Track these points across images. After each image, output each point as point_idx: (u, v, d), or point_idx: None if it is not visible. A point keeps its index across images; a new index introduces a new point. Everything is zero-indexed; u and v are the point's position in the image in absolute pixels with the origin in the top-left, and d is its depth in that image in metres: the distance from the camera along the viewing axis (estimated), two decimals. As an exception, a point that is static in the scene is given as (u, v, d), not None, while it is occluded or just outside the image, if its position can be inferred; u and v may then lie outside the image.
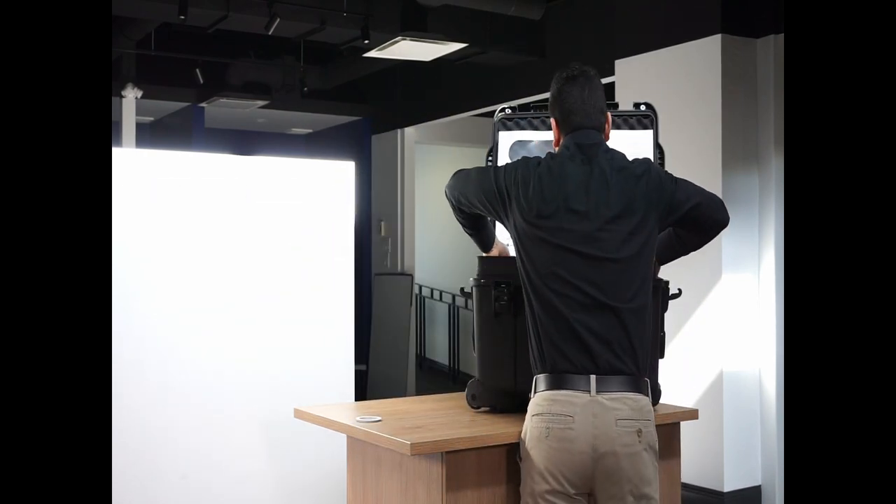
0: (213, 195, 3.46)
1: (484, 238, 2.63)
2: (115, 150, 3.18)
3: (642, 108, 2.83)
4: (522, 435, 2.29)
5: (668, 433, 2.64)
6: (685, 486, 4.53)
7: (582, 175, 2.28)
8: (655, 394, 2.54)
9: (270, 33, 6.07)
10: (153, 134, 9.51)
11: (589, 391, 2.19)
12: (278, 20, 5.89)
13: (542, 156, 2.38)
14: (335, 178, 3.72)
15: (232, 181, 3.51)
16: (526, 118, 2.84)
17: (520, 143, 2.82)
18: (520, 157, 2.45)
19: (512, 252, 2.45)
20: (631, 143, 2.51)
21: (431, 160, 10.06)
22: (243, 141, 10.18)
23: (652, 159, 2.69)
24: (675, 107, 4.82)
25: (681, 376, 4.79)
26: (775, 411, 4.69)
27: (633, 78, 5.15)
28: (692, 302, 4.74)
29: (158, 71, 7.84)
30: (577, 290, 2.23)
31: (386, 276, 8.83)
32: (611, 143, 2.40)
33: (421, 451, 2.25)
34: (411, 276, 8.62)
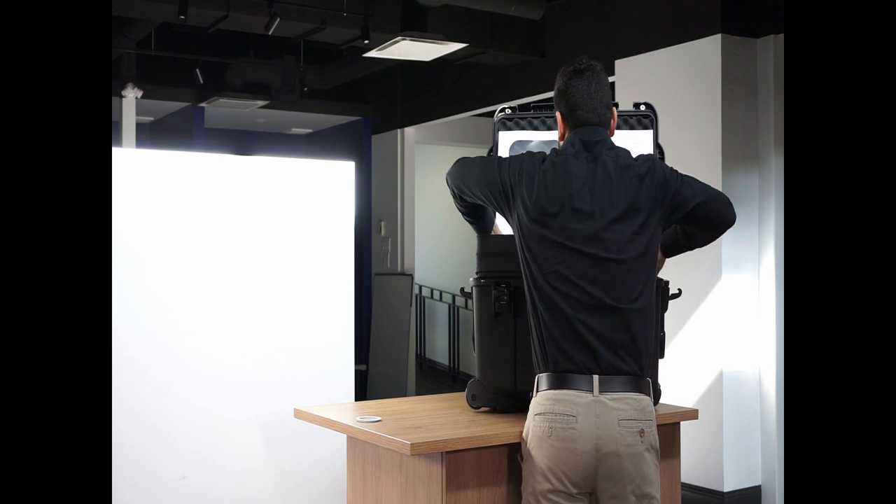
0: (213, 195, 3.45)
1: (483, 226, 2.62)
2: (115, 150, 3.18)
3: (642, 108, 2.83)
4: (524, 434, 2.29)
5: (668, 433, 2.64)
6: (685, 486, 4.54)
7: (586, 173, 2.28)
8: (655, 394, 2.54)
9: (270, 33, 6.07)
10: (153, 134, 9.51)
11: (592, 391, 2.19)
12: (278, 20, 5.89)
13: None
14: (335, 178, 3.72)
15: (232, 181, 3.51)
16: (526, 118, 2.84)
17: (520, 143, 2.82)
18: (524, 151, 2.44)
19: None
20: (631, 143, 2.51)
21: (431, 160, 10.06)
22: (243, 141, 10.17)
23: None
24: (675, 107, 4.82)
25: (681, 376, 4.79)
26: (775, 411, 4.69)
27: (633, 78, 5.15)
28: (692, 302, 4.74)
29: (158, 71, 7.84)
30: (580, 291, 2.22)
31: (386, 276, 8.83)
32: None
33: (421, 451, 2.24)
34: (411, 276, 8.62)
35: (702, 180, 2.43)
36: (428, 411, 2.71)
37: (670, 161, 2.82)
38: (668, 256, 2.57)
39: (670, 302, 2.67)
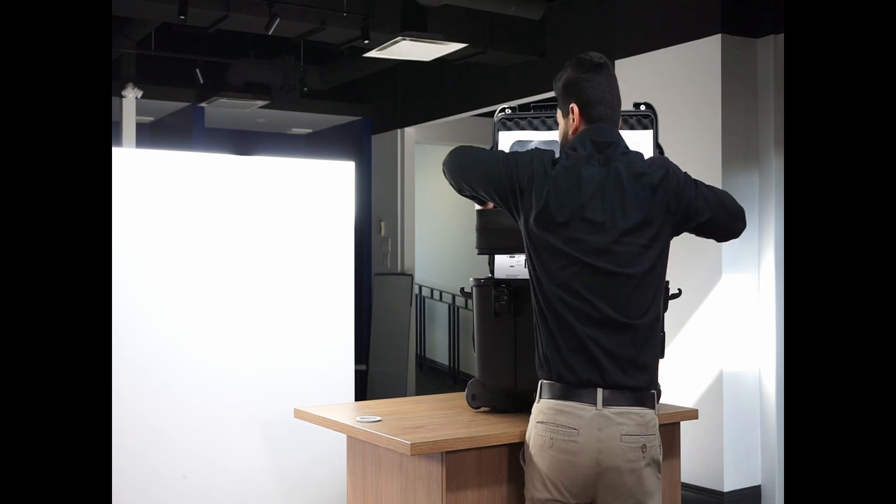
0: (213, 195, 3.46)
1: (483, 200, 2.51)
2: (115, 150, 3.18)
3: (642, 108, 2.82)
4: (527, 438, 2.28)
5: (668, 433, 2.64)
6: (685, 486, 4.53)
7: (598, 179, 2.21)
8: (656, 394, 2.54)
9: (270, 33, 6.06)
10: (153, 134, 9.51)
11: (595, 404, 2.16)
12: (278, 20, 5.89)
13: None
14: (335, 178, 3.72)
15: (232, 181, 3.51)
16: (526, 118, 2.84)
17: (520, 144, 2.81)
18: (533, 147, 2.37)
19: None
20: (631, 144, 2.50)
21: (431, 160, 10.04)
22: (243, 141, 10.17)
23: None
24: (675, 107, 4.82)
25: (681, 376, 4.79)
26: (775, 411, 4.69)
27: (633, 78, 5.15)
28: (692, 302, 4.74)
29: (158, 71, 7.83)
30: (589, 305, 2.18)
31: (386, 276, 8.83)
32: None
33: (421, 451, 2.24)
34: (411, 276, 8.62)
35: (702, 181, 2.42)
36: (428, 411, 2.71)
37: (670, 161, 2.81)
38: None
39: (670, 302, 2.67)
